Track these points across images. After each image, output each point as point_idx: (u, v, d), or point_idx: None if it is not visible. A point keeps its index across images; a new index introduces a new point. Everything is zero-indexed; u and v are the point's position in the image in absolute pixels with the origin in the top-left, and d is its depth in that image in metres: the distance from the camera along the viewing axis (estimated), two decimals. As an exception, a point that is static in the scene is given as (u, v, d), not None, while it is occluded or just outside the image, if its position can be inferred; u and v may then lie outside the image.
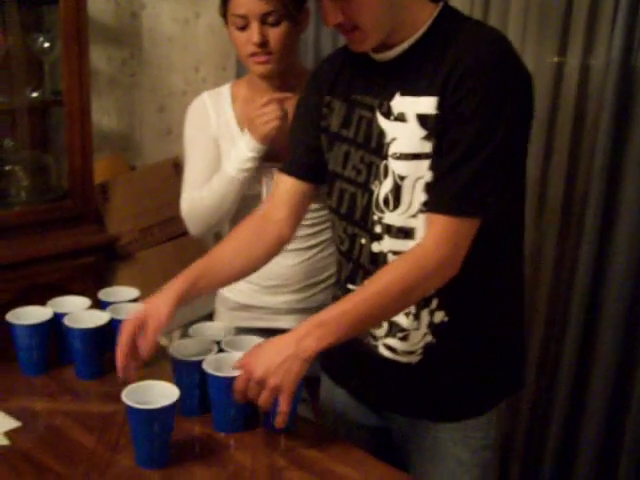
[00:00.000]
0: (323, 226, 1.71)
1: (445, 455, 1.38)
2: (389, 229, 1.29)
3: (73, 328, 1.49)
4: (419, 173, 1.24)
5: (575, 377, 2.27)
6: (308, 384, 1.63)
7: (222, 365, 1.35)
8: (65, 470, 1.22)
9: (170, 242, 2.83)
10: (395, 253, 1.30)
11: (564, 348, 2.27)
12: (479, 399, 1.38)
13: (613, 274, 2.14)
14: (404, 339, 1.33)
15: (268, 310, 1.78)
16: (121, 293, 1.66)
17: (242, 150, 1.63)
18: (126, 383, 1.27)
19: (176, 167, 2.91)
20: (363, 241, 1.34)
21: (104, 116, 3.00)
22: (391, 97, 1.27)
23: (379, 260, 1.32)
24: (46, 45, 2.53)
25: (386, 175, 1.28)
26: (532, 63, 2.21)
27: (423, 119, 1.22)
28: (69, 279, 2.49)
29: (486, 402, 1.39)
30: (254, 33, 1.58)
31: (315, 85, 1.45)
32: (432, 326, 1.32)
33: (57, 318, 1.53)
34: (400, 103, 1.25)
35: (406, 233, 1.28)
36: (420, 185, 1.24)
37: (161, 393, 1.26)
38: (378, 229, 1.31)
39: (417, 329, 1.32)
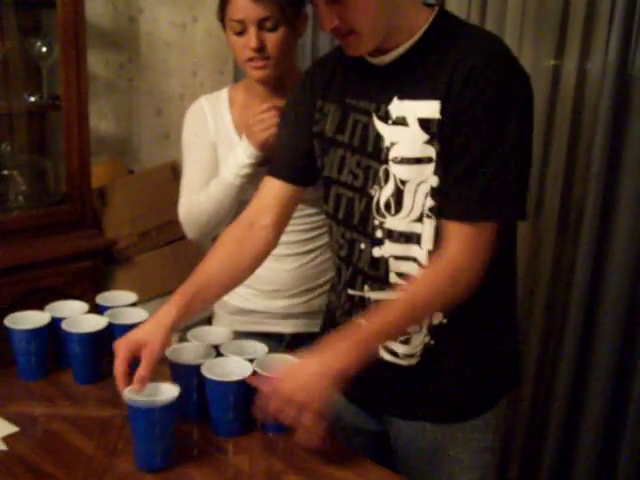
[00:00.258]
0: (320, 231, 1.71)
1: (445, 457, 1.38)
2: (390, 234, 1.29)
3: (71, 333, 1.48)
4: (421, 177, 1.24)
5: (574, 378, 2.27)
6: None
7: (220, 369, 1.35)
8: (63, 475, 1.22)
9: (168, 246, 2.83)
10: (397, 258, 1.30)
11: (562, 350, 2.27)
12: (477, 399, 1.38)
13: (611, 277, 2.15)
14: (406, 342, 1.34)
15: (267, 314, 1.78)
16: (119, 297, 1.66)
17: (240, 156, 1.63)
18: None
19: (174, 171, 2.92)
20: (363, 246, 1.34)
21: (102, 120, 3.00)
22: (388, 101, 1.27)
23: (380, 265, 1.32)
24: (44, 49, 2.54)
25: (387, 179, 1.27)
26: (529, 66, 2.21)
27: (425, 123, 1.22)
28: (67, 283, 2.49)
29: (485, 402, 1.39)
30: (251, 38, 1.58)
31: (306, 89, 1.44)
32: (431, 328, 1.32)
33: (55, 323, 1.52)
34: (399, 107, 1.25)
35: (408, 238, 1.28)
36: (422, 189, 1.24)
37: (162, 393, 1.26)
38: (379, 234, 1.31)
39: (419, 332, 1.32)
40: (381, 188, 1.29)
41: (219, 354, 1.43)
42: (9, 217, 2.49)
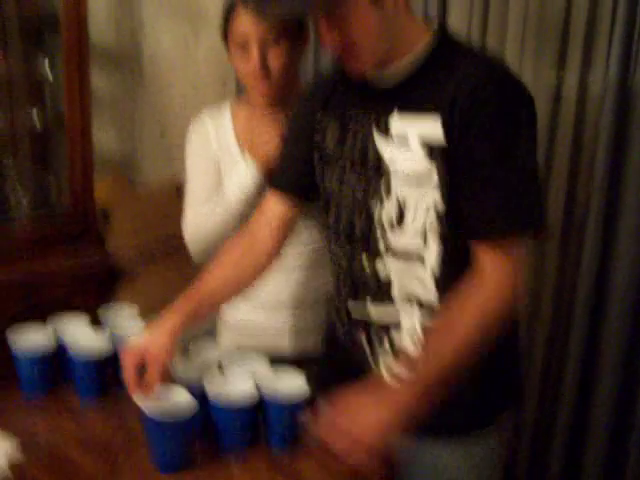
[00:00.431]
0: (321, 244, 1.71)
1: (447, 472, 1.37)
2: (391, 248, 1.29)
3: (74, 347, 1.49)
4: (422, 192, 1.24)
5: (579, 390, 2.26)
6: (310, 405, 1.63)
7: (223, 385, 1.35)
8: (65, 490, 1.22)
9: (170, 260, 2.83)
10: (398, 271, 1.30)
11: (567, 361, 2.26)
12: (478, 414, 1.37)
13: (614, 291, 2.14)
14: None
15: (268, 329, 1.77)
16: (121, 311, 1.66)
17: (243, 175, 1.63)
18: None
19: (177, 187, 2.92)
20: (364, 258, 1.34)
21: (105, 138, 3.01)
22: (388, 116, 1.27)
23: (381, 278, 1.32)
24: (48, 68, 2.55)
25: (388, 194, 1.28)
26: (530, 81, 2.22)
27: (425, 139, 1.23)
28: (70, 297, 2.50)
29: (486, 416, 1.38)
30: (254, 56, 1.58)
31: (308, 102, 1.46)
32: None
33: (58, 337, 1.53)
34: (399, 123, 1.26)
35: (409, 252, 1.28)
36: (423, 205, 1.25)
37: (175, 398, 1.30)
38: (380, 247, 1.31)
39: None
40: (382, 202, 1.29)
41: (221, 367, 1.43)
42: (12, 231, 2.49)
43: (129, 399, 1.47)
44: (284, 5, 1.24)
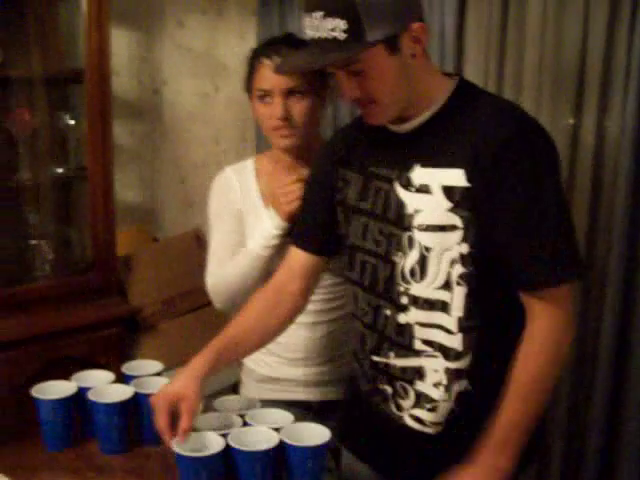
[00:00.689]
0: (345, 299, 1.71)
1: None
2: (415, 300, 1.29)
3: (97, 403, 1.49)
4: (446, 245, 1.25)
5: (603, 445, 2.21)
6: (333, 454, 1.61)
7: (247, 439, 1.34)
8: None
9: (192, 313, 2.83)
10: (422, 324, 1.30)
11: (592, 413, 2.23)
12: None
13: (638, 337, 2.11)
14: (433, 410, 1.32)
15: (294, 382, 1.76)
16: (144, 366, 1.66)
17: (267, 228, 1.64)
18: None
19: (198, 239, 2.95)
20: (388, 312, 1.34)
21: (127, 189, 3.05)
22: (410, 169, 1.28)
23: (405, 331, 1.32)
24: (71, 122, 2.60)
25: (411, 246, 1.28)
26: (547, 126, 2.20)
27: (449, 191, 1.23)
28: (93, 351, 2.50)
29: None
30: (277, 107, 1.60)
31: (328, 159, 1.47)
32: (457, 395, 1.31)
33: (81, 392, 1.53)
34: (422, 175, 1.27)
35: (432, 305, 1.28)
36: (447, 257, 1.25)
37: (208, 442, 1.33)
38: (404, 300, 1.31)
39: (447, 400, 1.31)
40: (405, 255, 1.29)
41: (245, 423, 1.42)
42: (36, 286, 2.51)
43: (153, 455, 1.47)
44: (303, 59, 1.26)
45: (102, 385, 1.56)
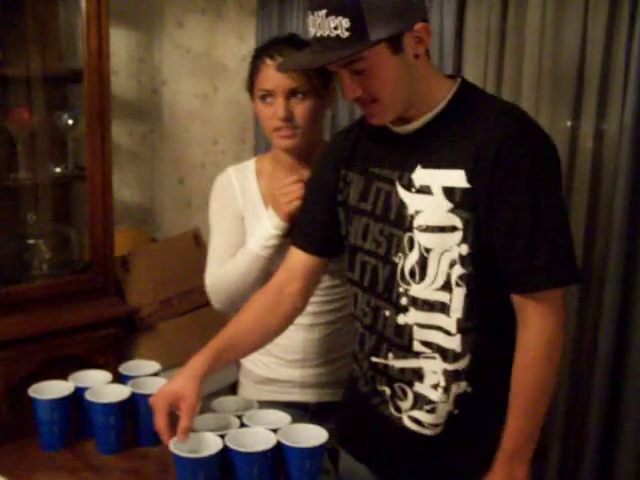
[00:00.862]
0: (345, 302, 1.71)
1: None
2: (415, 301, 1.30)
3: (95, 403, 1.48)
4: (445, 246, 1.25)
5: (601, 446, 2.22)
6: (330, 456, 1.61)
7: (244, 440, 1.34)
8: None
9: (190, 314, 2.83)
10: (421, 325, 1.30)
11: (589, 413, 2.23)
12: None
13: (636, 339, 2.12)
14: (431, 412, 1.32)
15: (292, 384, 1.76)
16: (142, 367, 1.66)
17: (266, 227, 1.64)
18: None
19: (196, 239, 2.94)
20: (387, 313, 1.34)
21: (125, 189, 3.05)
22: (412, 169, 1.28)
23: (404, 332, 1.32)
24: (70, 122, 2.60)
25: (411, 247, 1.28)
26: (546, 128, 2.22)
27: (449, 192, 1.24)
28: (90, 351, 2.50)
29: None
30: (280, 107, 1.60)
31: (329, 159, 1.47)
32: (456, 397, 1.31)
33: (78, 392, 1.53)
34: (423, 175, 1.27)
35: (432, 306, 1.28)
36: (447, 258, 1.25)
37: (207, 443, 1.33)
38: (404, 301, 1.31)
39: (445, 402, 1.31)
40: (405, 256, 1.29)
41: (242, 425, 1.42)
42: (33, 285, 2.51)
43: (150, 456, 1.47)
44: (305, 57, 1.26)
45: (99, 385, 1.56)
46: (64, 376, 1.58)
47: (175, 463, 1.30)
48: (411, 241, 1.28)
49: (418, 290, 1.29)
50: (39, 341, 2.39)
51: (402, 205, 1.29)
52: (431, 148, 1.28)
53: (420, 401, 1.33)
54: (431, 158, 1.27)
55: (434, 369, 1.31)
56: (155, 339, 2.71)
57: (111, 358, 2.48)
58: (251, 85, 1.67)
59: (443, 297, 1.27)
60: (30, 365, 2.35)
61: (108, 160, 2.53)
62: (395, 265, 1.31)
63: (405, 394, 1.35)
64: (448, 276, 1.26)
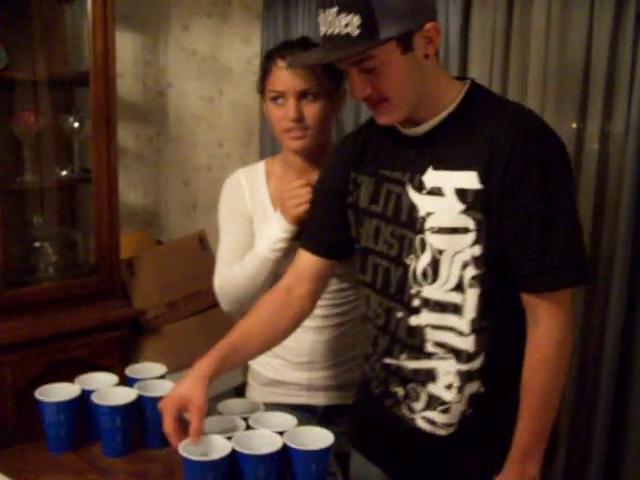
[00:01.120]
0: (353, 304, 1.71)
1: None
2: (427, 302, 1.30)
3: (101, 405, 1.48)
4: (458, 247, 1.25)
5: (608, 447, 2.21)
6: (337, 459, 1.61)
7: (250, 443, 1.34)
8: None
9: (196, 316, 2.84)
10: (433, 327, 1.30)
11: (596, 414, 2.22)
12: None
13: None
14: (445, 412, 1.33)
15: (299, 386, 1.76)
16: (148, 369, 1.66)
17: (274, 230, 1.64)
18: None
19: (201, 241, 2.95)
20: (399, 315, 1.34)
21: (131, 192, 3.06)
22: (423, 171, 1.29)
23: (417, 333, 1.32)
24: (76, 125, 2.61)
25: (423, 249, 1.29)
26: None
27: (462, 193, 1.24)
28: (96, 353, 2.50)
29: None
30: (290, 109, 1.60)
31: (338, 162, 1.47)
32: (470, 397, 1.31)
33: (85, 395, 1.53)
34: (434, 177, 1.27)
35: (444, 307, 1.29)
36: (459, 259, 1.26)
37: (215, 446, 1.33)
38: (416, 302, 1.31)
39: (459, 402, 1.31)
40: (417, 257, 1.30)
41: (249, 427, 1.42)
42: (40, 288, 2.52)
43: (156, 458, 1.47)
44: (315, 54, 1.27)
45: (106, 388, 1.56)
46: (70, 378, 1.59)
47: (184, 466, 1.30)
48: (423, 243, 1.28)
49: (430, 291, 1.29)
50: (45, 343, 2.40)
51: (413, 207, 1.30)
52: (442, 150, 1.28)
53: (433, 402, 1.33)
54: (442, 160, 1.27)
55: (447, 370, 1.31)
56: (161, 341, 2.71)
57: (117, 361, 2.49)
58: (262, 87, 1.67)
59: (456, 298, 1.27)
60: (36, 367, 2.35)
61: (114, 163, 2.54)
62: (407, 267, 1.31)
63: (418, 395, 1.35)
64: (461, 277, 1.26)
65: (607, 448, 2.22)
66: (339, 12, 1.17)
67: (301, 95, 1.60)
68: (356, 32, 1.17)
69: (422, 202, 1.28)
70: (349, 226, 1.44)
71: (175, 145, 3.21)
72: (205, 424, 1.41)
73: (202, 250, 2.90)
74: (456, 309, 1.28)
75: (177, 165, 3.23)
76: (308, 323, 1.60)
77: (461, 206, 1.24)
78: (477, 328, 1.28)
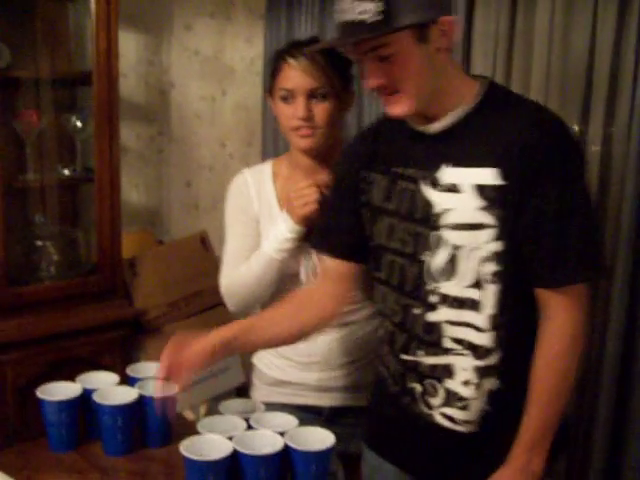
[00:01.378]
0: (359, 305, 1.70)
1: None
2: (445, 299, 1.30)
3: (102, 404, 1.49)
4: (476, 243, 1.26)
5: (609, 446, 2.21)
6: (346, 460, 1.60)
7: (251, 443, 1.35)
8: None
9: (197, 316, 2.84)
10: (451, 323, 1.30)
11: (597, 415, 2.22)
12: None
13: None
14: (464, 408, 1.32)
15: (303, 387, 1.75)
16: (149, 369, 1.66)
17: (281, 231, 1.63)
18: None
19: (203, 241, 2.95)
20: (416, 311, 1.34)
21: (133, 191, 3.06)
22: (439, 168, 1.29)
23: (434, 330, 1.32)
24: (79, 124, 2.62)
25: (440, 245, 1.29)
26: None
27: (480, 189, 1.24)
28: (98, 353, 2.51)
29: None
30: (300, 107, 1.60)
31: (349, 162, 1.47)
32: (488, 394, 1.31)
33: (86, 394, 1.53)
34: (452, 174, 1.27)
35: (462, 303, 1.29)
36: (476, 255, 1.26)
37: (214, 446, 1.33)
38: (433, 299, 1.31)
39: (477, 398, 1.32)
40: (434, 254, 1.30)
41: (249, 427, 1.42)
42: (41, 287, 2.52)
43: (156, 457, 1.47)
44: (330, 40, 1.27)
45: (107, 387, 1.57)
46: (71, 377, 1.59)
47: (185, 466, 1.31)
48: (439, 239, 1.29)
49: (448, 288, 1.29)
50: (47, 342, 2.40)
51: (428, 204, 1.30)
52: (460, 146, 1.28)
53: (451, 398, 1.33)
54: (460, 156, 1.27)
55: (464, 366, 1.31)
56: (162, 341, 2.67)
57: (118, 360, 2.49)
58: (272, 85, 1.67)
59: (474, 294, 1.28)
60: (38, 366, 2.36)
61: (116, 162, 2.54)
62: (423, 263, 1.31)
63: (436, 390, 1.35)
64: (479, 273, 1.26)
65: (608, 448, 2.22)
66: None
67: (311, 94, 1.60)
68: (372, 19, 1.18)
69: (438, 199, 1.29)
70: (364, 226, 1.44)
71: (177, 145, 3.21)
72: (206, 424, 1.41)
73: (204, 250, 2.91)
74: (474, 305, 1.28)
75: (179, 165, 3.23)
76: None
77: (480, 202, 1.24)
78: (495, 324, 1.28)
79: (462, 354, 1.31)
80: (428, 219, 1.30)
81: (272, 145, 3.23)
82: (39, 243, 2.62)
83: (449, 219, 1.27)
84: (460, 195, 1.26)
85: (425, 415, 1.37)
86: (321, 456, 1.36)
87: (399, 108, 1.29)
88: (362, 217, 1.44)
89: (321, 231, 1.53)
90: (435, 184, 1.29)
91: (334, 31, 1.28)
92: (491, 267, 1.26)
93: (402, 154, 1.36)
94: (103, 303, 2.57)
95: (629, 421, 2.16)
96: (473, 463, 1.36)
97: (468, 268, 1.27)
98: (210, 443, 1.35)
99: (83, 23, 2.61)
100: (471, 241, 1.26)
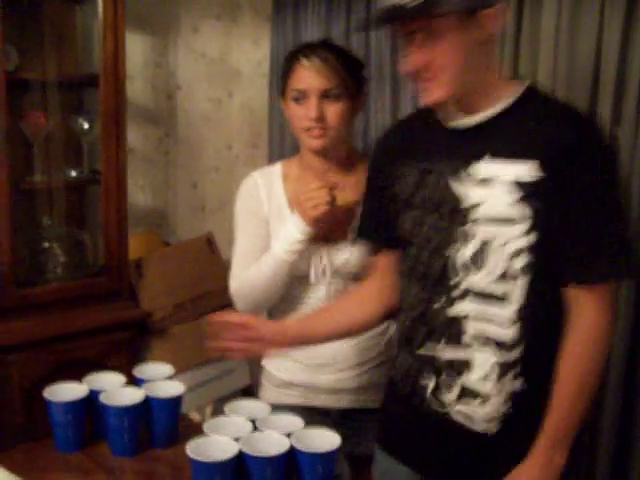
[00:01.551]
0: None
1: None
2: (469, 292, 1.30)
3: (109, 405, 1.49)
4: (507, 237, 1.26)
5: (615, 450, 2.20)
6: (354, 462, 1.60)
7: (258, 445, 1.35)
8: None
9: (203, 318, 2.83)
10: (472, 317, 1.30)
11: (603, 418, 2.22)
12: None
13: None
14: (483, 404, 1.32)
15: (312, 389, 1.75)
16: (156, 370, 1.67)
17: (291, 232, 1.64)
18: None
19: (209, 243, 2.95)
20: (438, 305, 1.34)
21: (139, 193, 3.07)
22: (469, 163, 1.29)
23: (454, 324, 1.32)
24: (85, 126, 2.62)
25: (468, 239, 1.29)
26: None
27: (515, 184, 1.25)
28: (104, 354, 2.51)
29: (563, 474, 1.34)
30: (312, 108, 1.60)
31: (380, 157, 1.49)
32: (511, 394, 1.31)
33: (93, 395, 1.53)
34: (484, 168, 1.28)
35: (487, 297, 1.29)
36: (507, 249, 1.26)
37: (222, 448, 1.34)
38: (456, 293, 1.32)
39: (497, 395, 1.31)
40: (459, 248, 1.30)
41: (256, 428, 1.42)
42: (48, 288, 2.52)
43: (162, 458, 1.48)
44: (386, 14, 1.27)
45: (113, 388, 1.57)
46: (78, 378, 1.59)
47: (191, 467, 1.31)
48: (467, 233, 1.29)
49: (474, 281, 1.30)
50: (53, 343, 2.41)
51: (457, 198, 1.30)
52: (496, 141, 1.29)
53: (467, 394, 1.33)
54: (496, 150, 1.28)
55: (484, 361, 1.31)
56: (168, 342, 2.71)
57: (125, 361, 2.49)
58: (284, 86, 1.67)
59: (501, 288, 1.28)
60: (44, 367, 2.36)
61: (123, 164, 2.54)
62: (448, 257, 1.32)
63: (450, 386, 1.34)
64: (508, 267, 1.27)
65: (614, 448, 2.21)
66: None
67: (323, 94, 1.60)
68: (415, 2, 1.19)
69: (468, 193, 1.29)
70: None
71: (184, 147, 3.21)
72: (211, 425, 1.42)
73: (210, 252, 2.91)
74: (500, 299, 1.28)
75: (185, 167, 3.23)
76: None
77: (515, 196, 1.25)
78: (519, 318, 1.28)
79: (482, 349, 1.31)
80: (456, 213, 1.30)
81: (278, 147, 3.23)
82: (46, 244, 2.62)
83: (479, 213, 1.28)
84: (493, 189, 1.27)
85: (441, 414, 1.36)
86: (327, 458, 1.36)
87: (434, 95, 1.29)
88: (390, 209, 1.44)
89: (363, 224, 1.56)
90: (467, 178, 1.29)
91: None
92: (521, 260, 1.26)
93: (432, 148, 1.37)
94: (110, 304, 2.57)
95: (635, 426, 2.16)
96: (489, 464, 1.35)
97: (498, 262, 1.27)
98: (216, 444, 1.35)
99: (90, 25, 2.62)
100: (503, 234, 1.26)
